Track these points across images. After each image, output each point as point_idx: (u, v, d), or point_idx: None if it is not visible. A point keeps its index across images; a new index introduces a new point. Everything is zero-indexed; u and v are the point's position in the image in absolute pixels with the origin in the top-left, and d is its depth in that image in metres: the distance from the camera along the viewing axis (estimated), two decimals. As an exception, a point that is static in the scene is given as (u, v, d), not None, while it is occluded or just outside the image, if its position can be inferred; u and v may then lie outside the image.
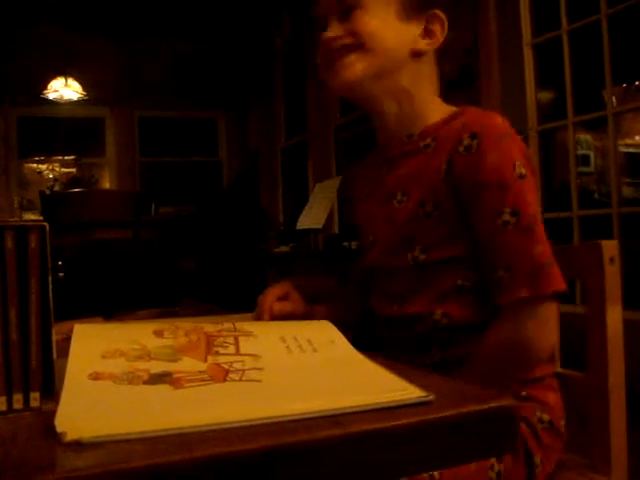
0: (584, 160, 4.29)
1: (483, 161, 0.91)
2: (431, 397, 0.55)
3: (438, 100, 1.06)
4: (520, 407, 0.95)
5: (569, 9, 3.66)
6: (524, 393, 0.98)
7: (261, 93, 7.34)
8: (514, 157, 0.91)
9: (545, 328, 0.91)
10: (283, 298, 1.09)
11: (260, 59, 7.22)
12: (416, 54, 1.01)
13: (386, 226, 1.03)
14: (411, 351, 1.01)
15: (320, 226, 4.40)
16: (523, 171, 0.91)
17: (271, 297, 1.07)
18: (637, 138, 4.22)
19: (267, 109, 7.30)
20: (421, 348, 1.00)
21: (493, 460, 0.89)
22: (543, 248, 0.90)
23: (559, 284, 0.89)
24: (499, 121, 0.95)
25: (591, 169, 4.37)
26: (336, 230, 5.71)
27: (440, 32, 1.00)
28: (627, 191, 3.78)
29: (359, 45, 1.00)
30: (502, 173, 0.91)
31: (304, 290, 1.13)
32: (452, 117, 1.00)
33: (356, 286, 1.23)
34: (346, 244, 4.37)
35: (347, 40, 1.00)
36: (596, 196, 4.09)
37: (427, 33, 1.00)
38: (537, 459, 0.95)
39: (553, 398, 1.00)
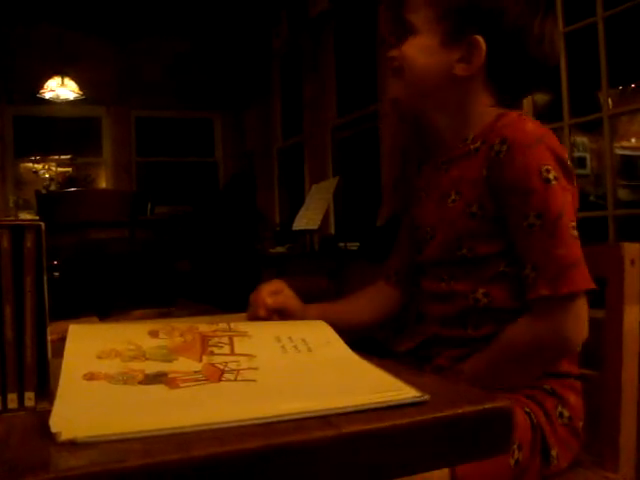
0: (580, 162, 4.30)
1: (510, 166, 0.96)
2: (426, 397, 0.55)
3: (490, 108, 1.09)
4: (544, 398, 1.00)
5: (565, 11, 3.67)
6: (547, 387, 1.01)
7: (258, 94, 7.33)
8: (541, 162, 0.94)
9: (572, 323, 0.94)
10: (276, 293, 1.13)
11: (257, 60, 7.21)
12: (454, 78, 1.05)
13: (441, 224, 1.08)
14: (448, 326, 1.07)
15: (316, 227, 4.39)
16: (550, 176, 0.94)
17: (264, 292, 1.11)
18: (633, 140, 4.24)
19: (264, 110, 7.30)
20: (459, 324, 1.05)
21: (515, 447, 0.92)
22: (567, 250, 0.93)
23: (583, 284, 0.93)
24: (529, 127, 0.98)
25: (587, 171, 4.38)
26: (332, 231, 5.71)
27: (478, 57, 1.03)
28: (623, 193, 3.79)
29: (401, 69, 1.09)
30: (527, 178, 0.94)
31: (297, 288, 1.15)
32: (496, 120, 1.04)
33: (389, 282, 1.27)
34: (342, 245, 4.38)
35: (396, 62, 1.10)
36: (592, 198, 4.10)
37: (465, 59, 1.04)
38: (554, 452, 0.97)
39: (574, 398, 1.03)
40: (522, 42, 1.03)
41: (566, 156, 0.98)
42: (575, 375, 1.05)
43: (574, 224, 0.95)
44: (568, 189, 0.97)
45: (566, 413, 1.01)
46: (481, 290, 1.02)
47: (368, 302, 1.29)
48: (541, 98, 4.01)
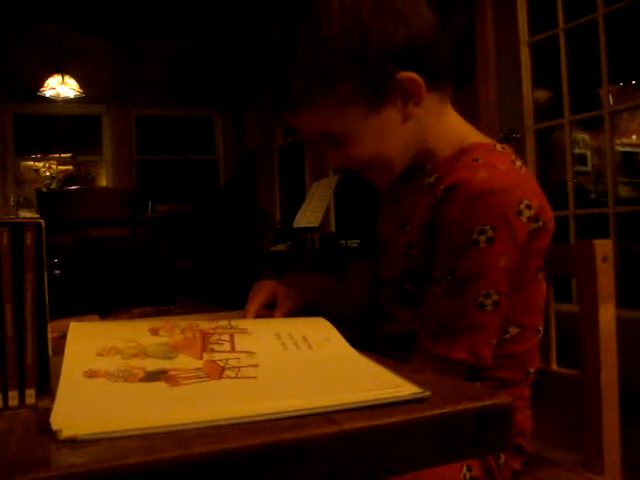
0: (581, 159, 4.30)
1: (445, 214, 0.89)
2: (426, 394, 0.55)
3: (457, 130, 1.01)
4: None
5: (566, 8, 3.67)
6: None
7: (258, 92, 7.33)
8: (476, 220, 0.86)
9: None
10: (269, 300, 1.08)
11: (257, 57, 7.21)
12: (412, 118, 0.96)
13: (395, 250, 1.03)
14: (393, 344, 1.03)
15: (317, 224, 4.40)
16: (482, 237, 0.85)
17: (257, 305, 1.05)
18: (634, 137, 4.24)
19: (264, 107, 7.30)
20: (400, 342, 1.01)
21: (464, 469, 0.91)
22: (460, 315, 0.88)
23: (459, 353, 0.87)
24: (480, 177, 0.88)
25: (588, 168, 4.38)
26: (333, 228, 5.71)
27: (416, 87, 0.92)
28: (623, 190, 3.79)
29: (370, 167, 0.99)
30: (455, 233, 0.88)
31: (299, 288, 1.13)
32: (458, 154, 0.96)
33: (370, 281, 1.23)
34: (343, 242, 4.38)
35: (355, 166, 1.00)
36: (593, 195, 4.10)
37: (406, 98, 0.93)
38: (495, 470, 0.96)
39: (519, 416, 0.99)
40: (434, 41, 0.93)
41: (528, 214, 0.88)
42: (521, 397, 1.01)
43: (492, 291, 0.87)
44: (504, 252, 0.87)
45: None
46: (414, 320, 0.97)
47: (359, 292, 1.25)
48: (541, 95, 4.01)
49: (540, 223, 0.92)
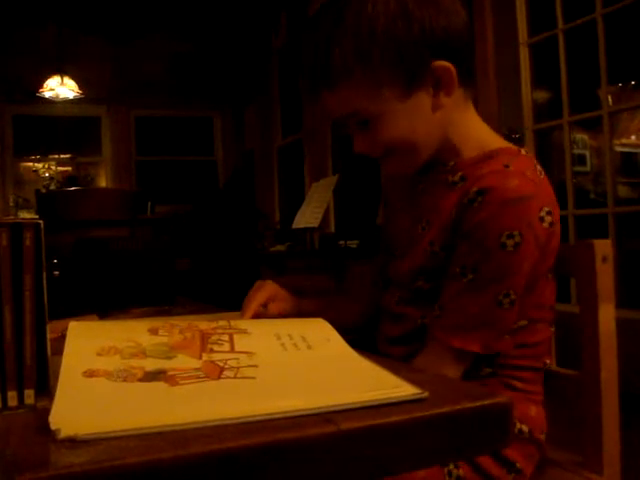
0: (580, 159, 4.30)
1: (475, 217, 0.90)
2: (425, 394, 0.55)
3: (480, 131, 1.03)
4: None
5: (565, 8, 3.67)
6: None
7: (257, 92, 7.33)
8: (506, 226, 0.88)
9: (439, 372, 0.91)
10: (267, 302, 1.09)
11: (256, 58, 7.21)
12: (439, 113, 0.98)
13: (409, 250, 1.04)
14: (395, 345, 1.05)
15: (316, 225, 4.40)
16: (510, 242, 0.88)
17: (255, 303, 1.06)
18: (633, 138, 4.23)
19: (263, 108, 7.30)
20: (403, 344, 1.03)
21: (452, 464, 0.92)
22: (481, 311, 0.91)
23: (474, 346, 0.91)
24: (513, 184, 0.90)
25: (587, 168, 4.38)
26: (332, 229, 5.71)
27: (449, 77, 0.95)
28: (623, 190, 3.79)
29: (394, 152, 1.00)
30: (484, 235, 0.89)
31: (297, 288, 1.13)
32: (485, 157, 0.98)
33: (372, 285, 1.24)
34: (342, 243, 4.38)
35: (379, 152, 1.01)
36: (592, 195, 4.10)
37: (438, 87, 0.96)
38: (519, 465, 0.97)
39: (535, 410, 1.01)
40: (467, 39, 0.98)
41: (549, 220, 0.91)
42: (537, 390, 1.03)
43: (511, 292, 0.90)
44: (529, 258, 0.90)
45: (525, 428, 0.98)
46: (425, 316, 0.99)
47: (359, 300, 1.27)
48: (541, 95, 4.01)
49: (556, 227, 0.95)
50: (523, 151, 1.00)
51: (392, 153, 1.00)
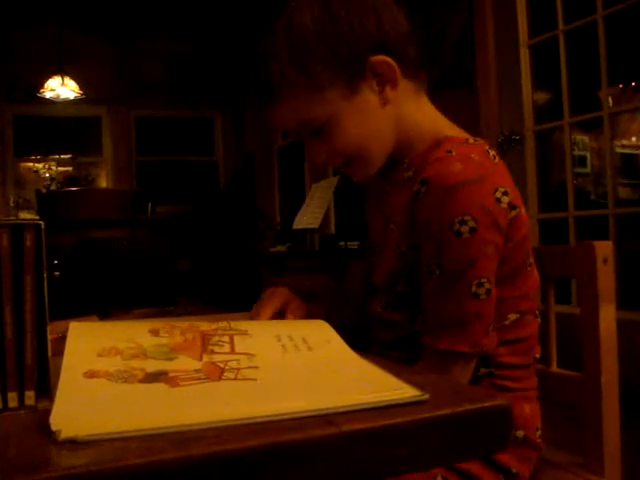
0: (580, 161, 4.30)
1: (424, 209, 0.90)
2: (426, 396, 0.55)
3: (434, 123, 1.03)
4: None
5: (565, 9, 3.67)
6: None
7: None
8: (457, 211, 0.86)
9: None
10: (281, 308, 1.06)
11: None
12: (390, 103, 0.98)
13: (384, 250, 1.03)
14: (392, 349, 1.03)
15: (316, 226, 4.40)
16: (464, 228, 0.85)
17: (269, 311, 1.03)
18: (633, 139, 4.23)
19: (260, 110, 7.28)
20: (400, 346, 1.01)
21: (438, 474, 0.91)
22: (457, 306, 0.88)
23: (460, 345, 0.89)
24: (455, 168, 0.87)
25: (587, 170, 4.38)
26: (332, 230, 5.71)
27: (390, 70, 0.95)
28: (623, 192, 3.79)
29: (352, 158, 1.00)
30: (436, 227, 0.88)
31: (301, 290, 1.12)
32: (432, 147, 0.97)
33: (364, 283, 1.22)
34: (342, 243, 4.38)
35: (339, 160, 1.01)
36: (592, 197, 4.10)
37: (382, 82, 0.96)
38: (514, 470, 0.96)
39: (528, 407, 1.00)
40: (405, 31, 0.98)
41: (506, 200, 0.89)
42: (530, 387, 1.02)
43: (484, 280, 0.87)
44: (490, 240, 0.87)
45: (520, 434, 0.97)
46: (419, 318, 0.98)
47: (360, 300, 1.26)
48: (541, 97, 4.01)
49: (518, 210, 0.93)
50: (472, 139, 0.99)
51: (351, 159, 1.01)
